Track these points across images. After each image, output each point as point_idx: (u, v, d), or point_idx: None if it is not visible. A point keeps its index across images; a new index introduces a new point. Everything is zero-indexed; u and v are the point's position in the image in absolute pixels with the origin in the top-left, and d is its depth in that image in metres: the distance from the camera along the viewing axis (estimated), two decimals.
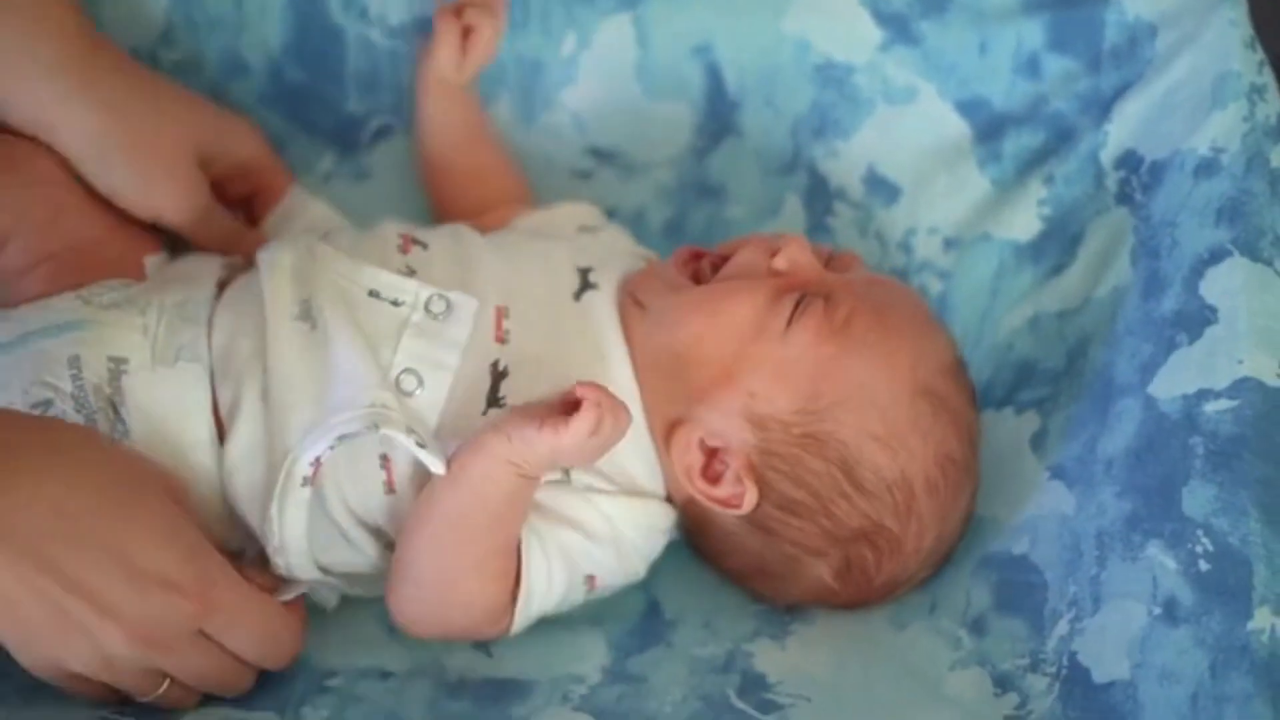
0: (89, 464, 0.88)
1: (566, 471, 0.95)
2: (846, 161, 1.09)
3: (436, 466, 0.91)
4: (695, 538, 1.02)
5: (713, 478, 0.96)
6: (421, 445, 0.91)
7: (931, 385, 0.95)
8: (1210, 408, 0.90)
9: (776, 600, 1.02)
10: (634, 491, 0.97)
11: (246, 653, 0.91)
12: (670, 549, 1.03)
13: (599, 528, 0.96)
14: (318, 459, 0.92)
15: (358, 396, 0.92)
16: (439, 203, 1.12)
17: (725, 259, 0.98)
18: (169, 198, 1.02)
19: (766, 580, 1.00)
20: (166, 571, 0.86)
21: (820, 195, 1.10)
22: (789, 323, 0.94)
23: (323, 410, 0.92)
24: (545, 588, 0.96)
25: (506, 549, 0.94)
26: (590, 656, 0.99)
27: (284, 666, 0.93)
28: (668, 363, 0.96)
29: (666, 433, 0.96)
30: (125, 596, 0.85)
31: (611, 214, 1.12)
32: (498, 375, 0.96)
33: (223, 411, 0.95)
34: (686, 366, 0.95)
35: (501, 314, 0.97)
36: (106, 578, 0.84)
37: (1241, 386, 0.90)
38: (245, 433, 0.94)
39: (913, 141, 1.08)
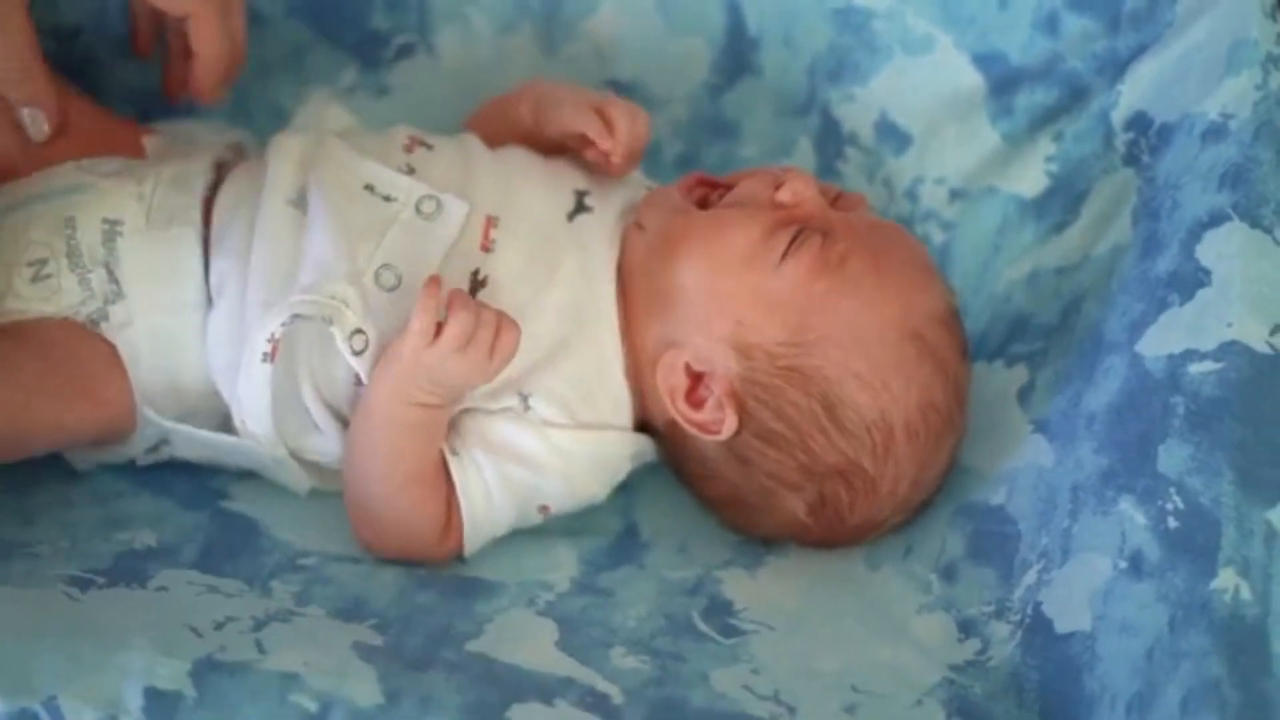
0: None
1: (524, 399, 0.97)
2: (861, 107, 1.11)
3: (365, 377, 0.94)
4: (674, 462, 1.04)
5: (695, 402, 0.98)
6: (359, 352, 0.94)
7: (920, 331, 0.96)
8: (1195, 369, 0.91)
9: (750, 532, 1.04)
10: (595, 424, 0.99)
11: None
12: (655, 472, 1.05)
13: (548, 460, 0.98)
14: (274, 336, 0.95)
15: (321, 284, 0.95)
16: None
17: (731, 189, 1.00)
18: None
19: (741, 510, 1.02)
20: None
21: (832, 139, 1.12)
22: (784, 255, 0.95)
23: (289, 291, 0.95)
24: (486, 515, 0.99)
25: (423, 476, 0.97)
26: (561, 567, 1.02)
27: None
28: (661, 285, 0.98)
29: (654, 354, 0.98)
30: None
31: None
32: (476, 283, 0.98)
33: (212, 286, 0.98)
34: (679, 290, 0.97)
35: (491, 223, 0.99)
36: None
37: (1228, 350, 0.91)
38: (224, 308, 0.97)
39: (927, 91, 1.09)
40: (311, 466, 1.02)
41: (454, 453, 0.98)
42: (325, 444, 1.01)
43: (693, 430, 0.98)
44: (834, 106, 1.12)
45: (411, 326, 0.91)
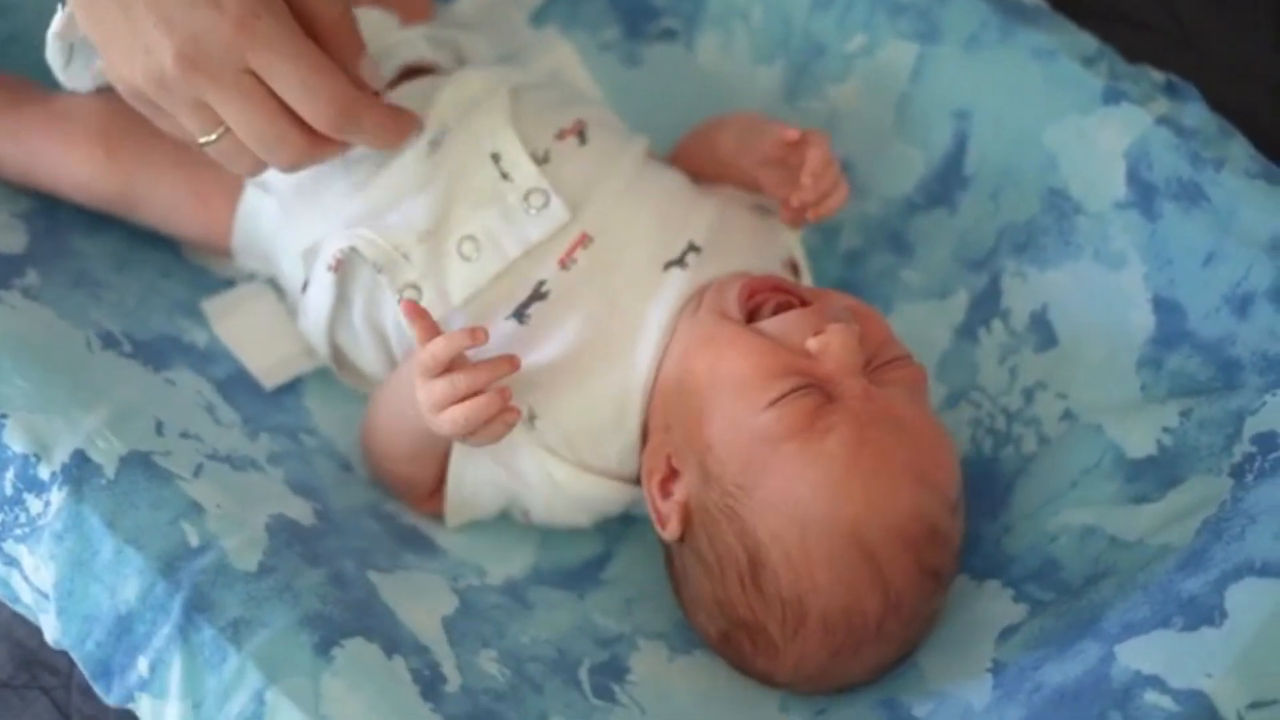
0: None
1: (532, 418, 1.00)
2: (1029, 288, 1.08)
3: (409, 328, 0.97)
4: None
5: (665, 492, 0.99)
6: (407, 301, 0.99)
7: (871, 541, 0.92)
8: (1151, 698, 0.87)
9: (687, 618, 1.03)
10: (596, 469, 1.01)
11: (292, 98, 0.92)
12: None
13: (538, 485, 1.01)
14: (336, 254, 1.02)
15: (395, 233, 1.01)
16: (680, 147, 1.15)
17: (803, 303, 0.98)
18: None
19: (680, 603, 1.03)
20: None
21: (988, 304, 1.09)
22: (774, 401, 0.93)
23: (372, 219, 1.01)
24: (470, 503, 1.04)
25: (423, 444, 1.01)
26: (508, 563, 1.06)
27: (333, 127, 0.93)
28: (679, 372, 0.99)
29: (656, 425, 1.00)
30: (178, 9, 0.89)
31: None
32: (536, 294, 1.01)
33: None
34: (686, 387, 0.98)
35: (583, 240, 1.01)
36: None
37: (1192, 699, 0.86)
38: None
39: (1096, 306, 1.05)
40: (355, 372, 1.08)
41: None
42: (365, 358, 1.06)
43: (651, 514, 0.99)
44: (1005, 276, 1.09)
45: (418, 354, 0.94)
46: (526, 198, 1.01)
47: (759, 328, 0.97)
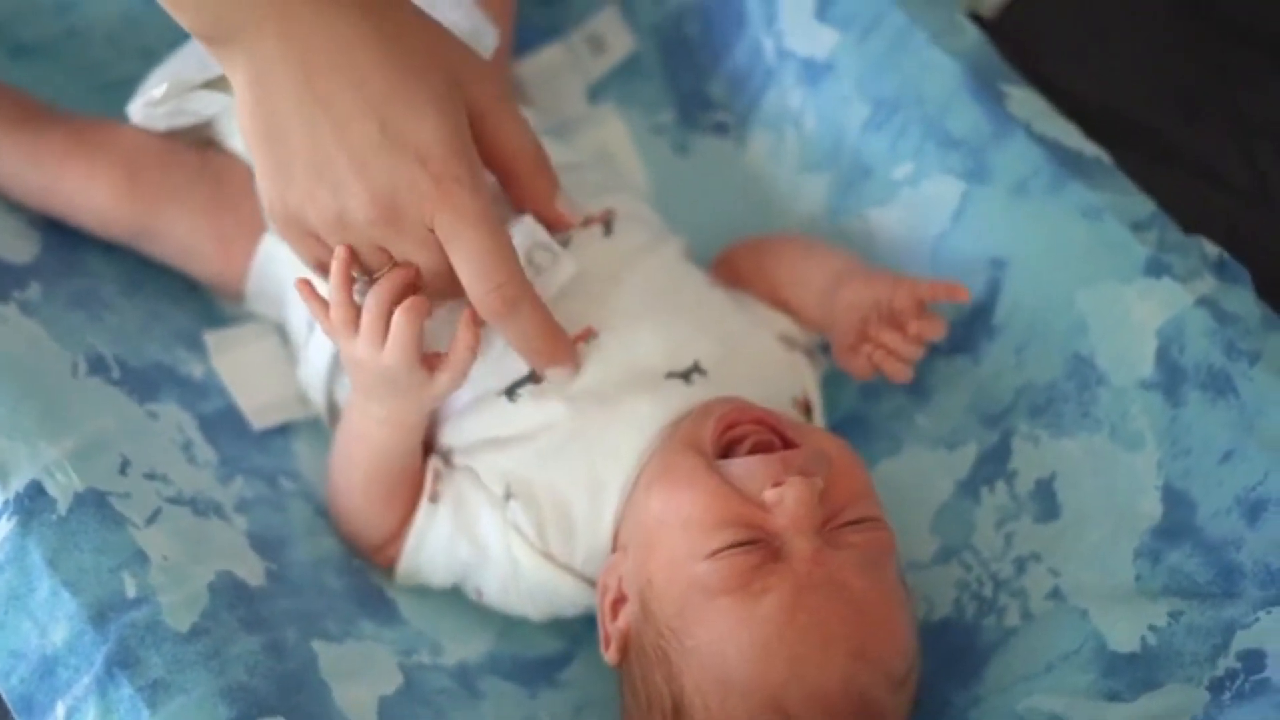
0: (394, 33, 0.87)
1: (508, 496, 0.98)
2: (1039, 453, 1.03)
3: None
4: None
5: (615, 614, 0.96)
6: None
7: (789, 708, 0.87)
8: None
9: None
10: (560, 563, 0.99)
11: (461, 271, 0.89)
12: None
13: (498, 561, 0.99)
14: None
15: None
16: (733, 255, 1.12)
17: (785, 442, 0.94)
18: None
19: (621, 714, 0.99)
20: (421, 143, 0.86)
21: (994, 465, 1.05)
22: (715, 552, 0.89)
23: None
24: (425, 566, 1.02)
25: (378, 493, 1.00)
26: (467, 645, 1.04)
27: (493, 314, 0.90)
28: (640, 499, 0.96)
29: (621, 541, 0.97)
30: (378, 156, 0.86)
31: (826, 347, 1.10)
32: (532, 375, 0.99)
33: None
34: (640, 516, 0.95)
35: (587, 335, 0.99)
36: (367, 133, 0.85)
37: None
38: None
39: (1104, 482, 1.00)
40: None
41: (432, 499, 1.00)
42: None
43: (600, 631, 0.96)
44: (1016, 437, 1.04)
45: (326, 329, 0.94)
46: (531, 258, 0.96)
47: (723, 466, 0.93)
